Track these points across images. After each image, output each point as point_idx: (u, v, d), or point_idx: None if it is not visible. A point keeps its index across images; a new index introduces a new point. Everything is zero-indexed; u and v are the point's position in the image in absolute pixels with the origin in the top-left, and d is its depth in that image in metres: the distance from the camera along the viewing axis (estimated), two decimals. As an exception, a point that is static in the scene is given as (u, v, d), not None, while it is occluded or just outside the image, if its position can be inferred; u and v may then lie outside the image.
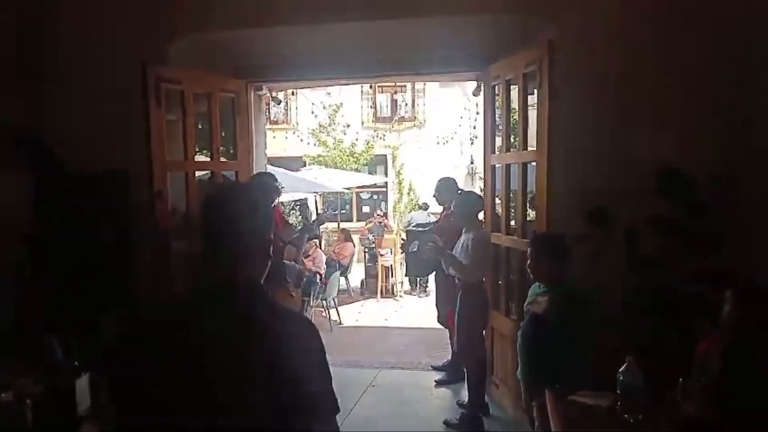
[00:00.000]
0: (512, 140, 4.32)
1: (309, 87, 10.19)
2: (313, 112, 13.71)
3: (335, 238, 10.09)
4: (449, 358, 5.15)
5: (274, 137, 13.00)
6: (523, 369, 2.92)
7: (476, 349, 4.11)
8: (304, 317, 1.57)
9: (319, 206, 12.42)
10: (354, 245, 9.82)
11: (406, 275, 8.79)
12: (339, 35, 4.19)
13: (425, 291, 9.60)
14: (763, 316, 2.12)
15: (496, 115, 4.39)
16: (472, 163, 13.62)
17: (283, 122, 14.38)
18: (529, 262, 3.06)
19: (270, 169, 5.31)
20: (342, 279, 9.07)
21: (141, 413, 1.26)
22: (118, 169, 3.86)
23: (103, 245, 3.71)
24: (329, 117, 14.10)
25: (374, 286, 9.50)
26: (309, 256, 7.44)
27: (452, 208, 4.32)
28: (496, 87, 4.29)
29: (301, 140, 13.93)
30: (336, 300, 7.80)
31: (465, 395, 4.34)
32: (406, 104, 14.44)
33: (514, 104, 4.13)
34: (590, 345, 2.80)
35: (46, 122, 4.01)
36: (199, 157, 4.42)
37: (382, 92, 14.51)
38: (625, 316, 3.27)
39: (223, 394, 1.21)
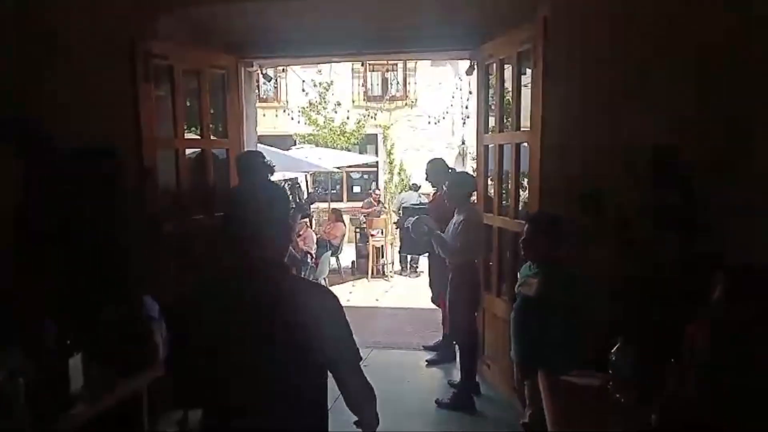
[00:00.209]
0: (505, 120, 4.29)
1: (299, 64, 10.05)
2: (303, 90, 13.54)
3: (326, 218, 10.06)
4: (440, 338, 5.19)
5: (264, 115, 12.84)
6: (515, 350, 2.95)
7: (468, 329, 4.13)
8: (325, 287, 1.90)
9: (309, 186, 12.35)
10: (345, 225, 9.80)
11: (400, 252, 8.80)
12: (330, 11, 4.11)
13: (416, 271, 9.64)
14: (751, 297, 2.14)
15: (489, 95, 4.36)
16: (463, 143, 13.57)
17: (273, 100, 14.19)
18: (523, 239, 3.05)
19: (260, 148, 5.25)
20: (333, 259, 9.07)
21: (194, 362, 1.58)
22: (107, 146, 3.79)
23: (94, 225, 3.66)
24: (320, 95, 13.94)
25: (365, 266, 9.52)
26: (300, 235, 7.42)
27: (445, 189, 4.30)
28: (490, 66, 4.25)
29: (292, 118, 13.76)
30: (327, 280, 7.80)
31: (456, 375, 4.38)
32: (398, 83, 14.32)
33: (508, 84, 4.09)
34: (581, 326, 2.82)
35: (31, 100, 3.93)
36: (188, 135, 4.36)
37: (373, 70, 14.36)
38: (616, 298, 3.29)
39: (260, 349, 1.48)
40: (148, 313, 2.88)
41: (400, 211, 9.51)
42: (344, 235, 9.68)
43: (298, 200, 7.40)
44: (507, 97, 4.25)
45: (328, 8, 4.06)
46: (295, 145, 13.07)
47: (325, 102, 13.95)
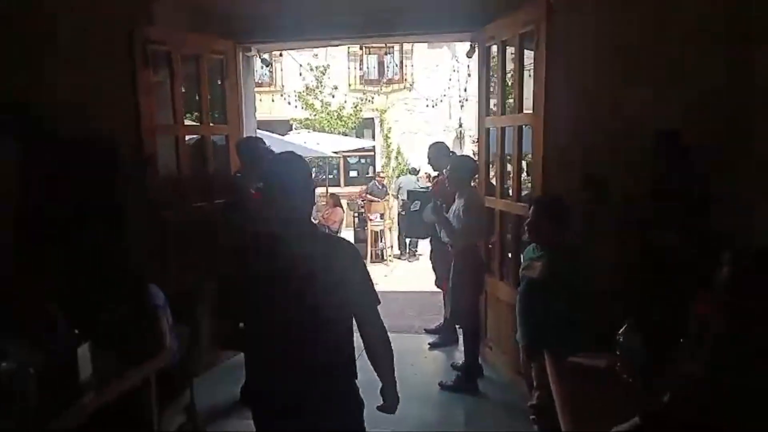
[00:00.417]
0: (507, 103, 4.26)
1: (298, 48, 9.94)
2: (300, 74, 13.42)
3: (324, 203, 10.03)
4: (442, 321, 5.20)
5: (260, 100, 12.64)
6: (521, 333, 2.95)
7: (471, 312, 4.14)
8: (346, 239, 2.24)
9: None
10: (343, 210, 9.78)
11: (406, 236, 8.77)
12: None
13: (415, 255, 9.65)
14: (760, 276, 2.14)
15: (491, 77, 4.32)
16: (461, 126, 13.51)
17: (270, 85, 14.09)
18: (528, 222, 3.04)
19: (259, 133, 5.21)
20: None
21: (240, 303, 1.93)
22: (106, 134, 3.76)
23: (95, 212, 3.64)
24: (316, 79, 13.80)
25: (364, 250, 9.50)
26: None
27: (447, 173, 4.28)
28: (491, 48, 4.21)
29: (288, 103, 13.65)
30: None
31: (459, 357, 4.39)
32: (395, 66, 14.21)
33: (509, 66, 4.05)
34: (587, 308, 2.82)
35: (30, 88, 3.89)
36: (187, 121, 4.32)
37: (369, 54, 14.24)
38: (621, 279, 3.30)
39: (299, 285, 1.80)
40: (153, 301, 2.87)
41: (399, 195, 9.54)
42: (342, 220, 9.67)
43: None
44: (509, 80, 4.23)
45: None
46: (292, 130, 12.99)
47: (321, 86, 13.83)
